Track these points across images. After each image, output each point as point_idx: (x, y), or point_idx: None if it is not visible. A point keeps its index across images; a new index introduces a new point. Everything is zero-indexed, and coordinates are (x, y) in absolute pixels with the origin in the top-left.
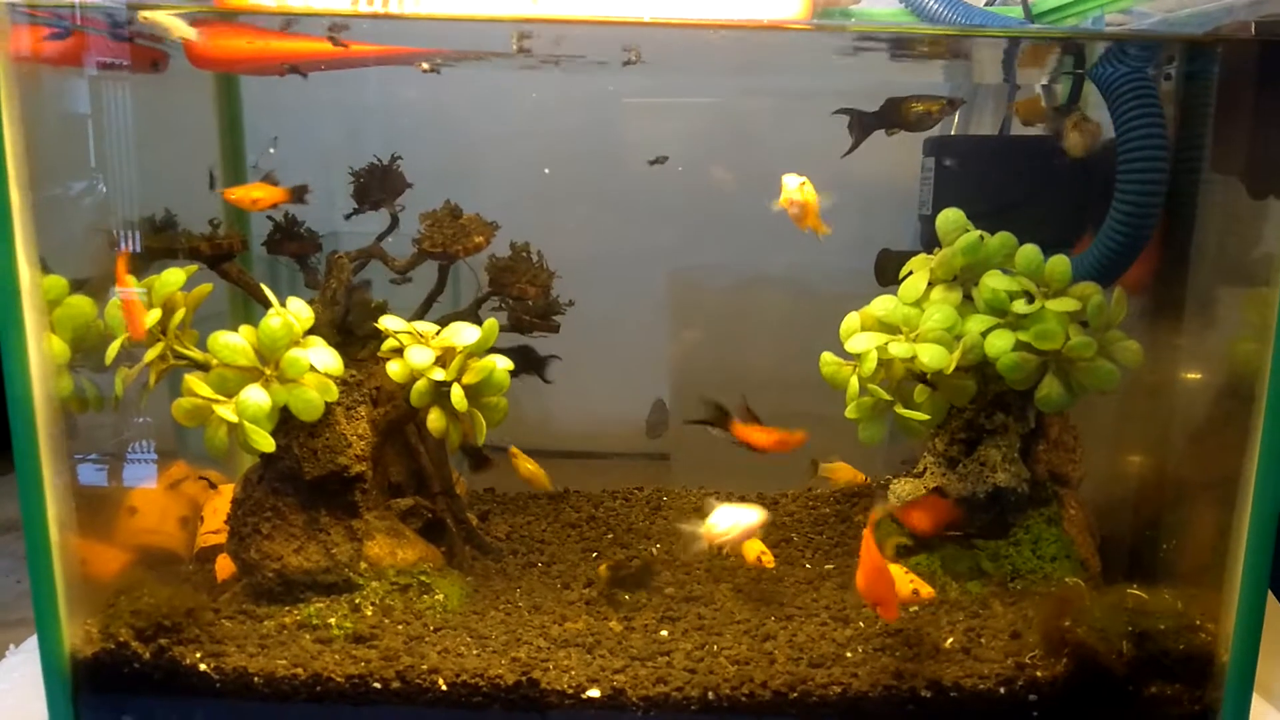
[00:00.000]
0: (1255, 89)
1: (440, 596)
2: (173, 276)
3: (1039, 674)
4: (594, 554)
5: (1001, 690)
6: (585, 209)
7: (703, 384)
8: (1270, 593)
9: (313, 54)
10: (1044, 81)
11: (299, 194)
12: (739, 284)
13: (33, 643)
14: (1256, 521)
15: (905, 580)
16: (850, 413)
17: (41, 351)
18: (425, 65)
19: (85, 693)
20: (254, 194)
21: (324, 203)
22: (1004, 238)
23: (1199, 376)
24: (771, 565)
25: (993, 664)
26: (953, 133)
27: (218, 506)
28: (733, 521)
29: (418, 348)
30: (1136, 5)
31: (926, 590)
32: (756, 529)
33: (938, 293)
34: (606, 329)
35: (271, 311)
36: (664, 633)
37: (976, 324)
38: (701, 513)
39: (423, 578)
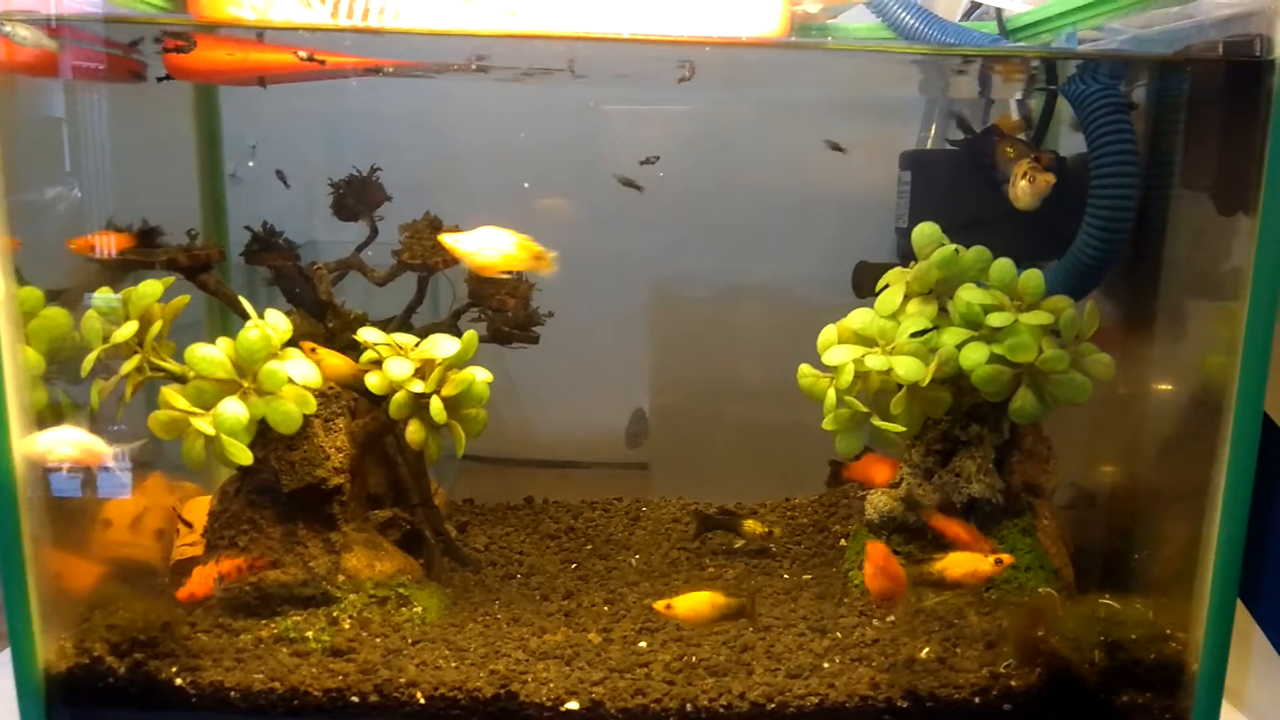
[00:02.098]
0: (1223, 107)
1: (418, 609)
2: (150, 288)
3: (1013, 683)
4: (573, 565)
5: (976, 700)
6: (566, 219)
7: (682, 394)
8: (1239, 602)
9: (290, 65)
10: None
11: (147, 238)
12: (719, 294)
13: (6, 657)
14: (1225, 532)
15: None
16: (828, 424)
17: (16, 363)
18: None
19: (59, 708)
20: (95, 240)
21: (303, 213)
22: (979, 251)
23: (1170, 389)
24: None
25: (968, 673)
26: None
27: (194, 518)
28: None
29: (397, 359)
30: (1109, 22)
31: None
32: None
33: (913, 305)
34: (586, 339)
35: (249, 323)
36: (642, 644)
37: (951, 337)
38: None
39: (401, 590)
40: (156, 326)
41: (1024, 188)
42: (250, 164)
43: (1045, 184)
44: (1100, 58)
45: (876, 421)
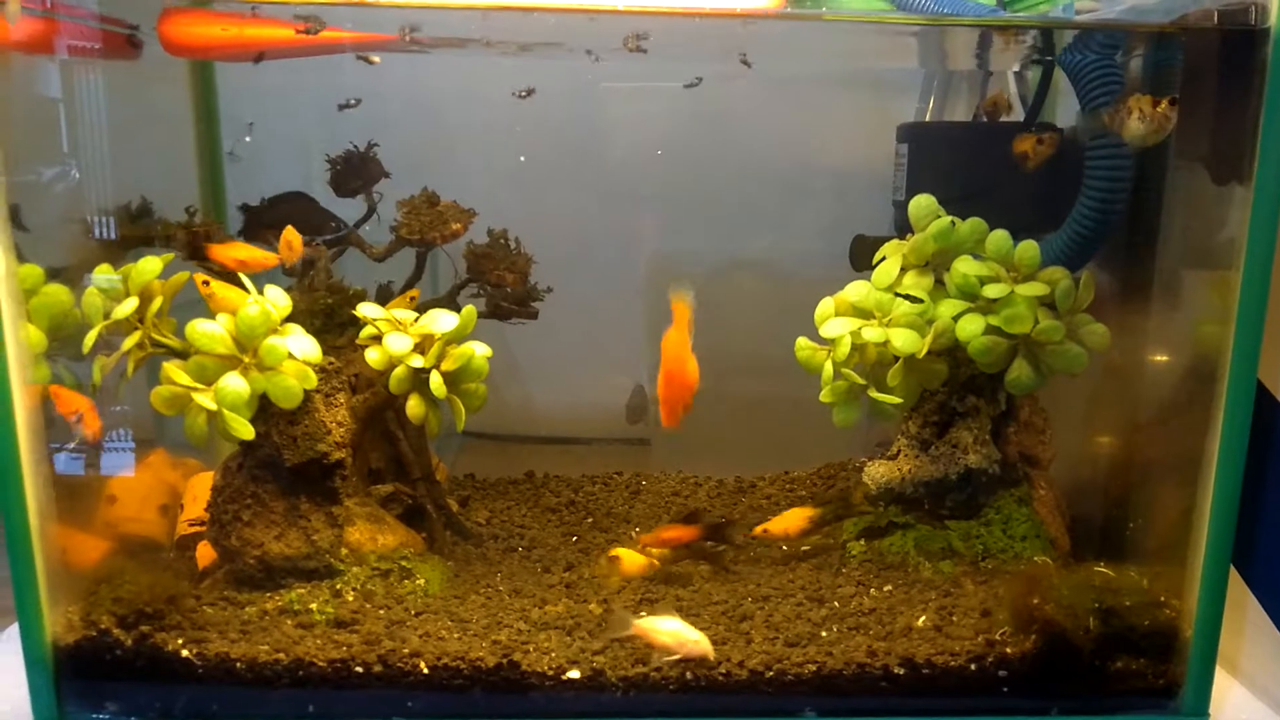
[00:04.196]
0: (1218, 76)
1: (421, 581)
2: (149, 264)
3: (1009, 650)
4: (574, 538)
5: (972, 667)
6: (564, 196)
7: None
8: (1233, 568)
9: (286, 40)
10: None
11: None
12: (717, 269)
13: (14, 632)
14: (1219, 500)
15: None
16: (825, 396)
17: (18, 340)
18: (375, 58)
19: (67, 680)
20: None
21: (302, 190)
22: (975, 223)
23: (1165, 359)
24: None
25: (964, 641)
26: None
27: (197, 494)
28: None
29: (396, 335)
30: None
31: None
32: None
33: (910, 278)
34: (586, 315)
35: (249, 299)
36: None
37: (948, 308)
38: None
39: (403, 563)
40: (157, 303)
41: (1163, 112)
42: (247, 140)
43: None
44: (1097, 27)
45: (873, 393)
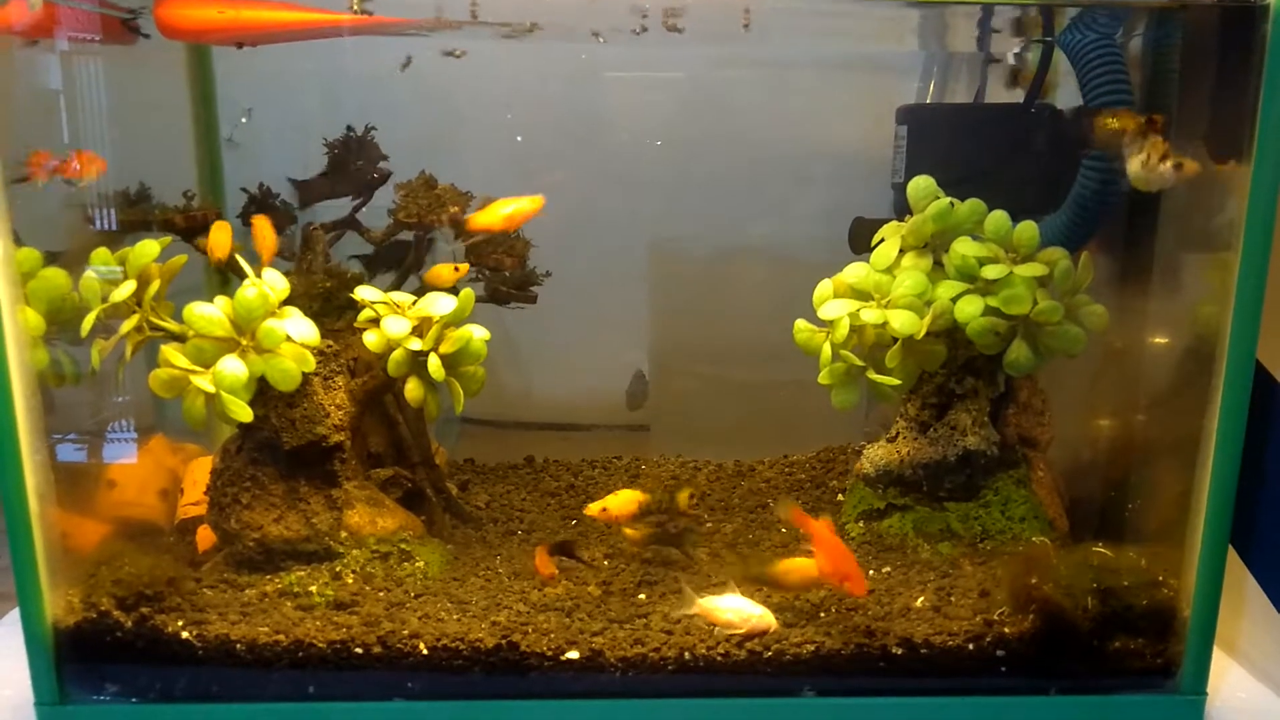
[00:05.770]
0: (1217, 54)
1: (421, 564)
2: (147, 248)
3: (1007, 630)
4: (573, 522)
5: (970, 646)
6: (564, 180)
7: (682, 354)
8: (1231, 548)
9: (283, 23)
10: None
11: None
12: (717, 254)
13: (15, 615)
14: (1217, 480)
15: None
16: (823, 378)
17: (16, 324)
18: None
19: (68, 662)
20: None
21: (300, 174)
22: (973, 204)
23: (1164, 340)
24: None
25: (962, 621)
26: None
27: (197, 478)
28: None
29: (394, 317)
30: None
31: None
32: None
33: (909, 259)
34: (586, 300)
35: (247, 282)
36: (641, 596)
37: (946, 290)
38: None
39: (403, 546)
40: (155, 286)
41: (1164, 171)
42: (244, 120)
43: (1191, 172)
44: (1097, 4)
45: (872, 375)
